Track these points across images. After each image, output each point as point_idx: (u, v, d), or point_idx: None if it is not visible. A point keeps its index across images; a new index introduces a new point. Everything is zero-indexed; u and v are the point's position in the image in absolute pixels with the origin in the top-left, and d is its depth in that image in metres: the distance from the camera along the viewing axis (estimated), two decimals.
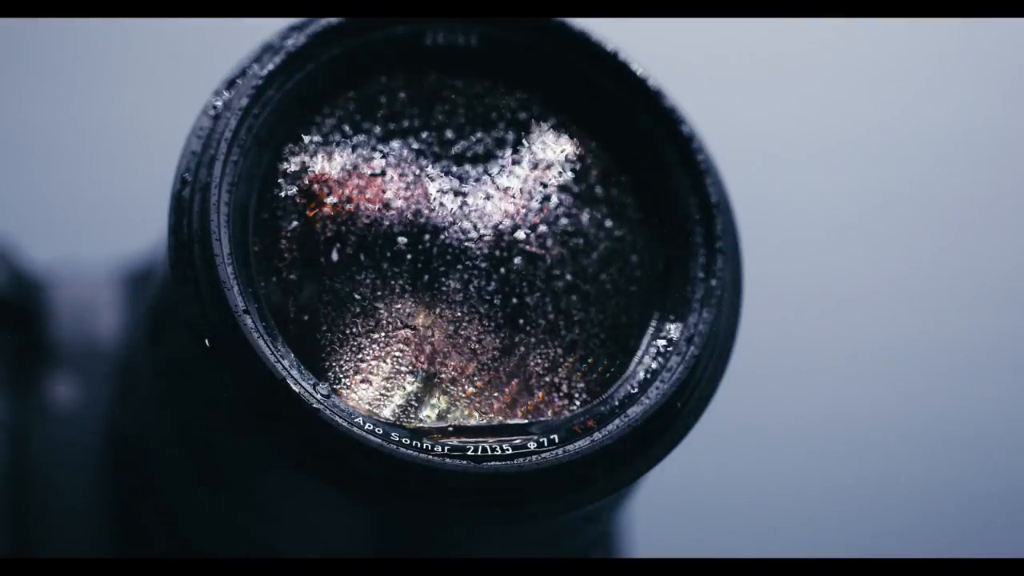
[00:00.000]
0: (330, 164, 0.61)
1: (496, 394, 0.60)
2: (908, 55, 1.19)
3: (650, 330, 0.61)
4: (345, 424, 0.56)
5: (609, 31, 0.63)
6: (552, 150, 0.63)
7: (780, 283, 1.12)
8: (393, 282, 0.60)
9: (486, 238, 0.61)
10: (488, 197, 0.61)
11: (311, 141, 0.61)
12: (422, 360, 0.60)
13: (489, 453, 0.57)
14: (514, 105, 0.63)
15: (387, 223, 0.61)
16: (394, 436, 0.57)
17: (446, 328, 0.60)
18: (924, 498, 1.12)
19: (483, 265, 0.61)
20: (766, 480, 1.11)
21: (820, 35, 1.17)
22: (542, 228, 0.62)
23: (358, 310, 0.60)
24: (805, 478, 1.11)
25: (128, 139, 1.10)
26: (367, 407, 0.59)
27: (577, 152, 0.63)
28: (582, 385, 0.61)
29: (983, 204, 1.17)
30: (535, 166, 0.62)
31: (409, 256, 0.60)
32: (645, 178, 0.62)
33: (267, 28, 0.62)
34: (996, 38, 1.19)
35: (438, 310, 0.60)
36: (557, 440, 0.58)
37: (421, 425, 0.59)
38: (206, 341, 0.57)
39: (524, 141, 0.63)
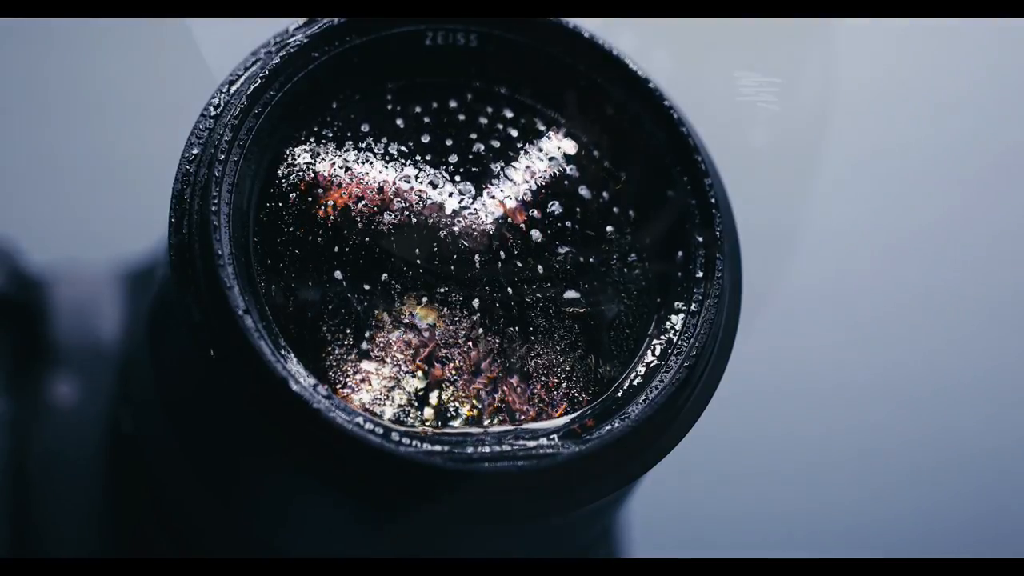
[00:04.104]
0: (331, 165, 0.61)
1: (496, 394, 0.60)
2: (909, 55, 1.19)
3: (650, 330, 0.61)
4: (346, 424, 0.56)
5: (610, 31, 0.63)
6: (552, 151, 0.63)
7: (780, 283, 1.12)
8: (394, 283, 0.60)
9: (486, 239, 0.61)
10: (488, 198, 0.62)
11: (311, 142, 0.61)
12: (422, 361, 0.60)
13: (488, 453, 0.58)
14: (514, 106, 0.63)
15: (387, 224, 0.61)
16: (394, 436, 0.57)
17: (446, 329, 0.60)
18: (924, 498, 1.12)
19: (483, 266, 0.61)
20: (765, 480, 1.11)
21: (821, 34, 1.17)
22: (542, 229, 0.62)
23: (359, 311, 0.60)
24: (804, 478, 1.11)
25: (128, 139, 1.10)
26: (367, 407, 0.59)
27: (577, 153, 0.63)
28: (581, 384, 0.61)
29: (985, 207, 1.17)
30: (535, 167, 0.62)
31: (410, 257, 0.60)
32: (645, 178, 0.62)
33: (267, 28, 0.62)
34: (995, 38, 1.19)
35: (438, 311, 0.60)
36: (557, 440, 0.58)
37: (421, 425, 0.59)
38: (211, 352, 0.57)
39: (524, 142, 0.63)
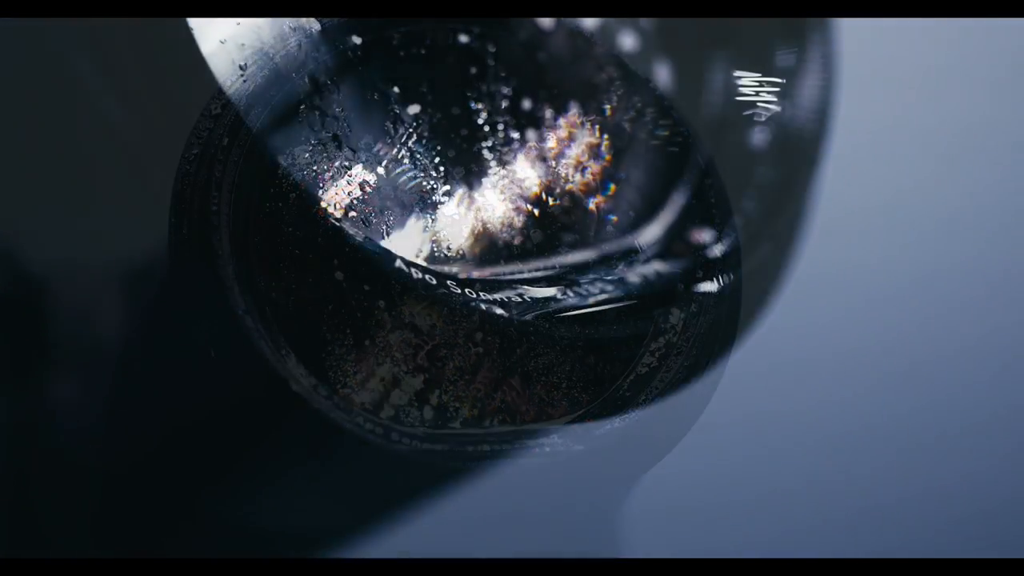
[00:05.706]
0: (331, 164, 0.61)
1: (496, 394, 0.60)
2: (909, 55, 1.19)
3: (650, 330, 0.61)
4: (346, 424, 0.56)
5: (611, 30, 0.63)
6: (552, 151, 0.63)
7: (780, 283, 1.12)
8: (394, 282, 0.60)
9: (488, 238, 0.61)
10: (489, 198, 0.61)
11: (311, 142, 0.61)
12: (423, 360, 0.60)
13: (488, 451, 0.58)
14: (514, 106, 0.63)
15: (388, 223, 0.61)
16: (394, 436, 0.57)
17: (447, 329, 0.60)
18: (923, 498, 1.12)
19: (483, 266, 0.61)
20: (765, 480, 1.11)
21: (821, 34, 1.17)
22: (544, 228, 0.62)
23: (360, 311, 0.60)
24: (804, 478, 1.11)
25: (129, 139, 1.10)
26: (368, 407, 0.59)
27: (579, 152, 0.63)
28: (581, 384, 0.61)
29: (986, 207, 1.17)
30: (536, 167, 0.62)
31: (410, 257, 0.60)
32: (647, 179, 0.62)
33: (268, 29, 0.62)
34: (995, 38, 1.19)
35: (439, 311, 0.60)
36: (557, 439, 0.58)
37: (421, 425, 0.59)
38: (211, 352, 0.57)
39: (524, 142, 0.63)
